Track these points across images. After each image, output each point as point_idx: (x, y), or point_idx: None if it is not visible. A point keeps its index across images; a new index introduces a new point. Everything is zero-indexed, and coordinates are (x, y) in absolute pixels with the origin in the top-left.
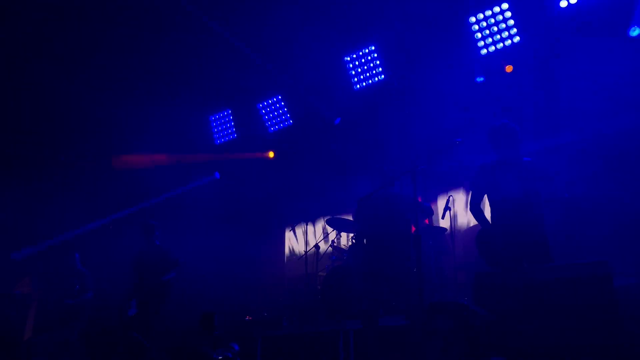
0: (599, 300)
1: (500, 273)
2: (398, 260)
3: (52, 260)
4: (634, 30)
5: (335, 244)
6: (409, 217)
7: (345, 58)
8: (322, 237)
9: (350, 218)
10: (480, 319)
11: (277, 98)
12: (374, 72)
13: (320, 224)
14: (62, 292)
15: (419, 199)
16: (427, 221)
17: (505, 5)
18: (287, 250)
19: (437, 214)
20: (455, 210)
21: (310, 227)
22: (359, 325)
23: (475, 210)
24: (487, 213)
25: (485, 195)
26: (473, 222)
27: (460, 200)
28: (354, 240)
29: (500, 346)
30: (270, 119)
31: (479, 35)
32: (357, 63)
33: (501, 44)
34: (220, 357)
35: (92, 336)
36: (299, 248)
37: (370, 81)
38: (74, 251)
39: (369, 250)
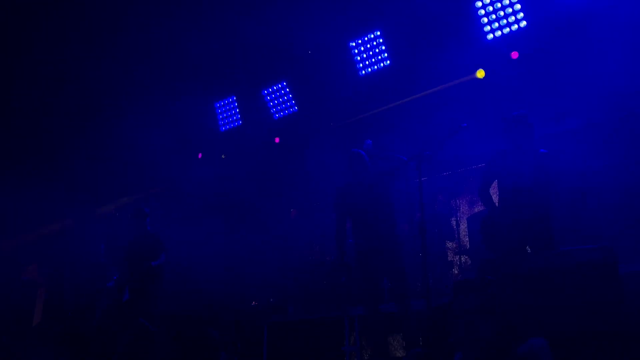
0: (603, 286)
1: (505, 260)
2: (385, 236)
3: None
4: None
5: None
6: (385, 186)
7: (351, 43)
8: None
9: None
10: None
11: (283, 84)
12: (380, 57)
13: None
14: (94, 278)
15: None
16: None
17: None
18: (292, 235)
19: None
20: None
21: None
22: (364, 311)
23: (484, 194)
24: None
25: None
26: (477, 207)
27: (466, 187)
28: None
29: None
30: (275, 106)
31: (485, 20)
32: (362, 48)
33: (507, 29)
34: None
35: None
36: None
37: (375, 67)
38: (99, 242)
39: (356, 235)
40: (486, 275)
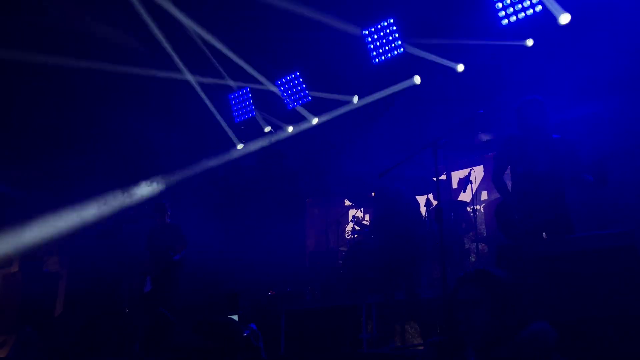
0: (623, 271)
1: (523, 245)
2: (405, 249)
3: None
4: None
5: (356, 219)
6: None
7: (364, 32)
8: (343, 211)
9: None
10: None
11: (296, 74)
12: (393, 45)
13: (341, 199)
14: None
15: None
16: None
17: None
18: (308, 225)
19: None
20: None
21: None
22: (381, 299)
23: (499, 180)
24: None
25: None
26: (494, 195)
27: (480, 170)
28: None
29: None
30: (289, 96)
31: (499, 5)
32: (375, 37)
33: (522, 14)
34: (246, 333)
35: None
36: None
37: (389, 55)
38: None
39: (381, 237)
40: (504, 263)
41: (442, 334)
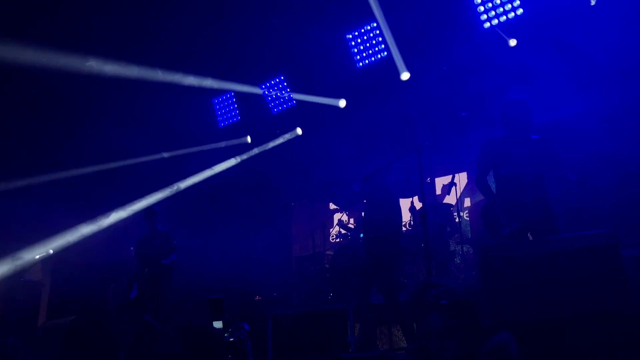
0: (606, 270)
1: (506, 245)
2: (386, 245)
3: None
4: None
5: (341, 223)
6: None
7: (347, 36)
8: (328, 215)
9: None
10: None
11: (280, 79)
12: (377, 49)
13: (326, 202)
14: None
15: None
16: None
17: None
18: (294, 229)
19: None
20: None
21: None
22: (363, 302)
23: (482, 183)
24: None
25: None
26: (478, 198)
27: (464, 177)
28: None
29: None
30: (273, 100)
31: (481, 8)
32: (359, 41)
33: (504, 17)
34: (231, 339)
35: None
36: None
37: (373, 58)
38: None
39: (365, 233)
40: (487, 264)
41: (422, 340)
